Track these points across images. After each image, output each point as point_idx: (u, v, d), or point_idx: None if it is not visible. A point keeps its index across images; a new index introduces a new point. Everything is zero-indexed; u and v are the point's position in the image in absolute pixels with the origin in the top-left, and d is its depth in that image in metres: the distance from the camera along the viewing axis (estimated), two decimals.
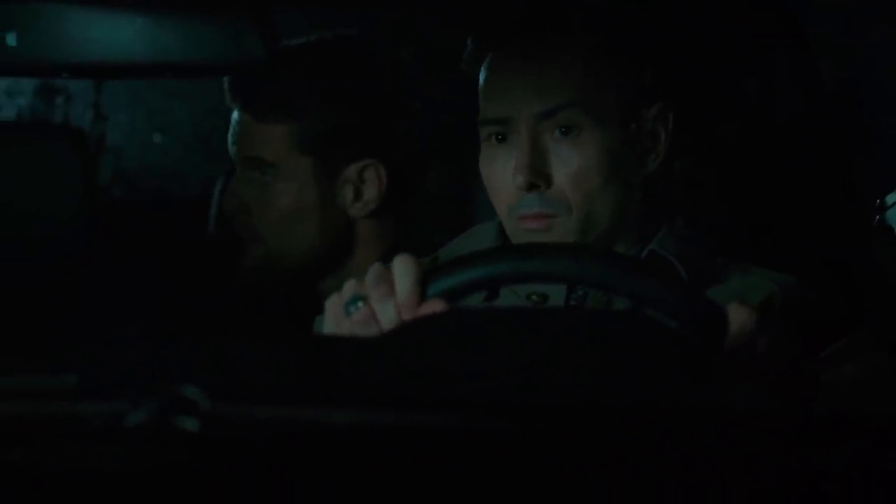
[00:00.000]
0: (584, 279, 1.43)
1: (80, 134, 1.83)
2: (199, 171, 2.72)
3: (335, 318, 1.44)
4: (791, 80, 2.13)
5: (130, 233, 2.47)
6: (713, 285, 1.75)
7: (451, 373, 1.21)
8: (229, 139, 2.20)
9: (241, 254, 2.20)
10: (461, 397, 1.18)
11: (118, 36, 1.70)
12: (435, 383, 1.20)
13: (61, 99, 2.75)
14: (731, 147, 2.17)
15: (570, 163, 1.76)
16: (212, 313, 2.26)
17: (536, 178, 1.76)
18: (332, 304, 1.45)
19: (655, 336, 1.27)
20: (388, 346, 1.28)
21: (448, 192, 2.28)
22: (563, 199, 1.76)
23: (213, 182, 2.48)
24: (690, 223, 1.83)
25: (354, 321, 1.42)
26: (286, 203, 2.15)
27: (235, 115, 2.19)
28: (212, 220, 2.46)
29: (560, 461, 1.08)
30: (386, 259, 1.46)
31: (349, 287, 1.44)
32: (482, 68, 1.82)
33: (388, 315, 1.41)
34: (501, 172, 1.79)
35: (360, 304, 1.42)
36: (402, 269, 1.41)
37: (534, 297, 1.77)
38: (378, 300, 1.41)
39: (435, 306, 1.39)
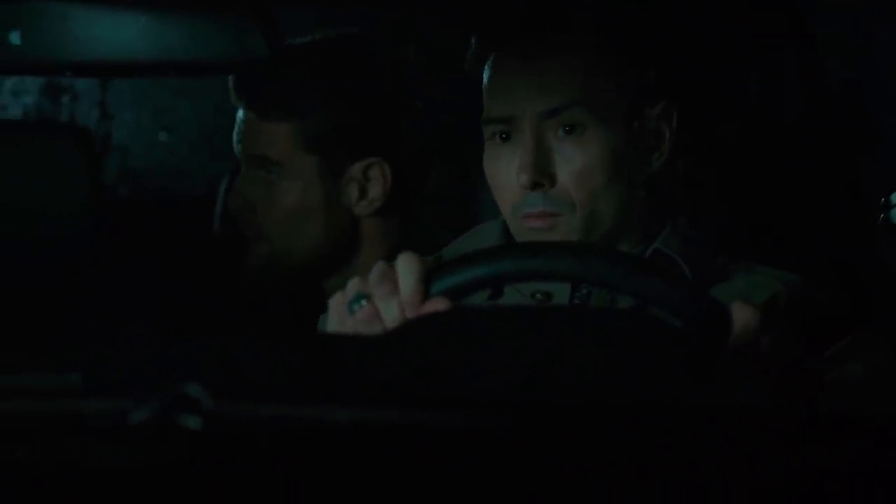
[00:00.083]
0: (588, 278, 1.43)
1: (86, 133, 1.83)
2: (205, 170, 2.72)
3: (339, 317, 1.44)
4: (797, 78, 2.13)
5: (136, 231, 2.47)
6: (717, 284, 1.75)
7: (454, 371, 1.21)
8: (234, 138, 2.20)
9: (246, 252, 2.20)
10: (465, 395, 1.18)
11: (122, 34, 1.70)
12: (438, 381, 1.20)
13: (67, 98, 2.75)
14: (736, 146, 2.17)
15: (573, 161, 1.76)
16: (217, 311, 2.26)
17: (540, 177, 1.76)
18: (336, 303, 1.45)
19: (659, 335, 1.27)
20: (391, 345, 1.28)
21: (452, 191, 2.28)
22: (566, 197, 1.76)
23: (218, 181, 2.49)
24: (694, 222, 1.83)
25: (358, 319, 1.42)
26: (291, 201, 2.15)
27: (240, 113, 2.19)
28: (217, 218, 2.46)
29: (564, 459, 1.08)
30: (390, 257, 1.46)
31: (353, 285, 1.44)
32: (486, 67, 1.82)
33: (391, 313, 1.41)
34: (505, 171, 1.79)
35: (364, 302, 1.42)
36: (406, 267, 1.41)
37: (538, 296, 1.77)
38: (382, 298, 1.41)
39: (438, 304, 1.39)
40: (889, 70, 1.88)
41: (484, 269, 1.41)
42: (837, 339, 1.63)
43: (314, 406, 1.14)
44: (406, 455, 1.07)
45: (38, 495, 1.00)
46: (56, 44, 1.69)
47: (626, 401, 1.19)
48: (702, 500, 1.05)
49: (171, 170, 2.78)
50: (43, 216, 1.69)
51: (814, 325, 1.66)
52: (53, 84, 2.75)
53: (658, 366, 1.23)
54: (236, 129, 2.20)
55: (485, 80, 1.82)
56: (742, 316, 1.34)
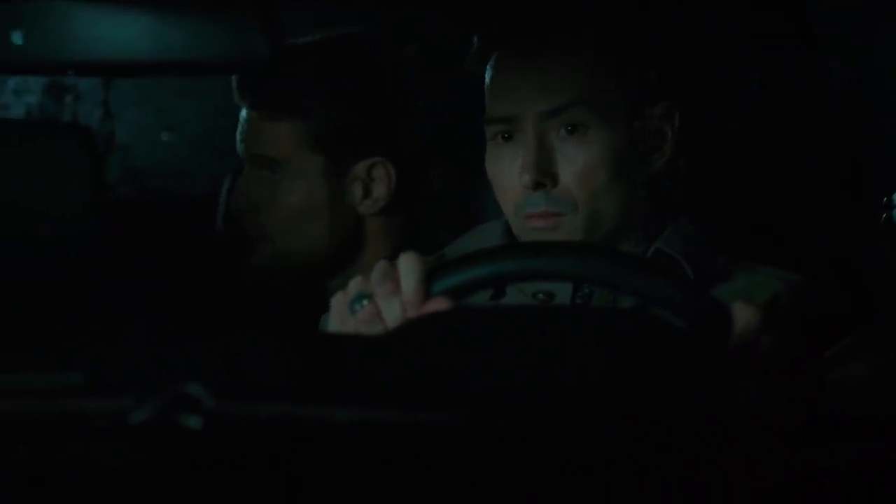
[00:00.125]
0: (590, 278, 1.43)
1: (89, 132, 1.83)
2: (207, 170, 2.72)
3: (340, 316, 1.45)
4: (798, 78, 2.13)
5: (138, 231, 2.47)
6: (718, 284, 1.75)
7: (456, 371, 1.21)
8: (237, 137, 2.20)
9: (248, 252, 2.20)
10: (466, 395, 1.18)
11: (123, 34, 1.70)
12: (440, 381, 1.20)
13: (70, 97, 2.75)
14: (737, 145, 2.17)
15: (576, 161, 1.76)
16: (219, 311, 2.26)
17: (543, 177, 1.76)
18: (338, 302, 1.45)
19: (660, 334, 1.27)
20: (392, 344, 1.28)
21: (453, 191, 2.28)
22: (569, 197, 1.77)
23: (220, 181, 2.49)
24: (694, 222, 1.83)
25: (359, 319, 1.42)
26: (295, 201, 2.15)
27: (244, 113, 2.19)
28: (219, 218, 2.46)
29: (565, 459, 1.08)
30: (394, 257, 1.46)
31: (354, 285, 1.45)
32: (488, 67, 1.83)
33: (393, 313, 1.41)
34: (507, 171, 1.79)
35: (366, 301, 1.43)
36: (408, 266, 1.41)
37: (540, 296, 1.77)
38: (383, 298, 1.41)
39: (440, 304, 1.39)
40: (889, 70, 1.88)
41: (485, 268, 1.41)
42: (838, 339, 1.63)
43: (315, 406, 1.14)
44: (407, 455, 1.07)
45: (38, 495, 1.00)
46: (58, 43, 1.69)
47: (627, 400, 1.19)
48: (703, 500, 1.05)
49: (174, 170, 2.78)
50: (45, 216, 1.69)
51: (815, 325, 1.66)
52: (56, 84, 2.75)
53: (659, 366, 1.23)
54: (239, 129, 2.20)
55: (487, 80, 1.83)
56: (743, 316, 1.34)
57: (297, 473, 1.03)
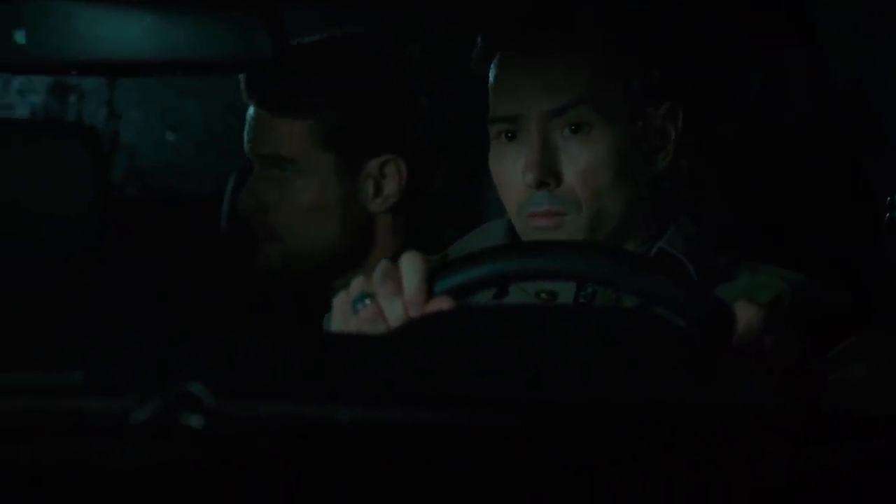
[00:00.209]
0: (593, 277, 1.43)
1: (94, 132, 1.83)
2: (212, 169, 2.72)
3: (343, 316, 1.44)
4: (800, 78, 2.12)
5: (143, 230, 2.47)
6: (722, 283, 1.75)
7: (458, 370, 1.21)
8: (245, 137, 2.19)
9: (256, 253, 2.19)
10: (468, 394, 1.18)
11: (127, 33, 1.70)
12: (442, 380, 1.20)
13: (75, 97, 2.76)
14: (740, 145, 2.17)
15: (579, 160, 1.76)
16: (223, 311, 2.26)
17: (546, 176, 1.76)
18: (340, 302, 1.45)
19: (663, 334, 1.27)
20: (395, 344, 1.28)
21: (457, 190, 2.28)
22: (572, 196, 1.76)
23: (225, 180, 2.49)
24: (696, 221, 1.83)
25: (362, 318, 1.42)
26: (308, 200, 2.15)
27: (251, 112, 2.18)
28: (224, 217, 2.46)
29: (568, 458, 1.07)
30: (401, 255, 1.46)
31: (356, 284, 1.44)
32: (491, 66, 1.82)
33: (395, 312, 1.41)
34: (511, 170, 1.79)
35: (368, 301, 1.42)
36: (410, 266, 1.41)
37: (543, 295, 1.77)
38: (385, 297, 1.41)
39: (442, 303, 1.39)
40: (890, 69, 1.88)
41: (487, 268, 1.41)
42: (842, 339, 1.62)
43: (317, 405, 1.14)
44: (409, 454, 1.07)
45: (39, 494, 1.00)
46: (61, 43, 1.69)
47: (630, 400, 1.19)
48: (705, 500, 1.05)
49: (179, 169, 2.78)
50: (50, 215, 1.69)
51: (818, 325, 1.66)
52: (61, 83, 2.75)
53: (662, 365, 1.23)
54: (247, 129, 2.19)
55: (491, 79, 1.83)
56: (746, 315, 1.34)
57: (298, 473, 1.03)
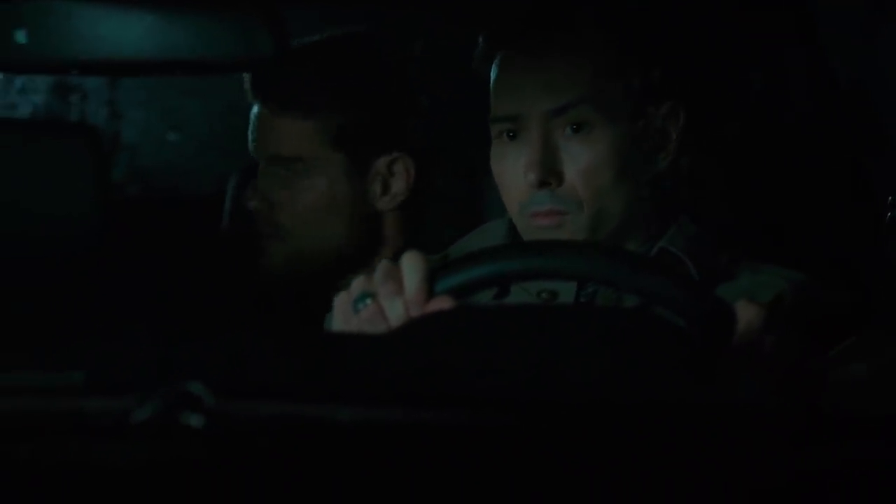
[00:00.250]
0: (593, 276, 1.43)
1: (95, 132, 1.83)
2: (213, 169, 2.72)
3: (343, 315, 1.45)
4: (801, 78, 2.12)
5: (144, 230, 2.47)
6: (722, 283, 1.75)
7: (459, 370, 1.21)
8: (250, 137, 2.19)
9: (262, 253, 2.19)
10: (469, 394, 1.18)
11: (127, 33, 1.70)
12: (443, 380, 1.20)
13: (76, 97, 2.76)
14: (741, 145, 2.17)
15: (580, 160, 1.76)
16: (225, 311, 2.26)
17: (548, 176, 1.76)
18: (341, 301, 1.45)
19: (663, 334, 1.27)
20: (395, 343, 1.28)
21: (458, 190, 2.28)
22: (574, 196, 1.77)
23: (227, 180, 2.49)
24: (696, 221, 1.83)
25: (363, 318, 1.42)
26: (317, 199, 2.14)
27: (255, 112, 2.18)
28: (225, 217, 2.46)
29: (568, 458, 1.08)
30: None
31: (357, 284, 1.45)
32: (493, 66, 1.82)
33: (396, 312, 1.41)
34: (512, 170, 1.79)
35: (369, 300, 1.43)
36: (411, 265, 1.41)
37: (544, 295, 1.77)
38: (386, 297, 1.41)
39: (443, 303, 1.39)
40: (891, 69, 1.88)
41: (488, 267, 1.41)
42: (842, 339, 1.62)
43: (317, 404, 1.14)
44: (410, 454, 1.07)
45: (39, 494, 1.00)
46: (61, 42, 1.69)
47: (630, 400, 1.19)
48: (706, 500, 1.05)
49: (180, 169, 2.78)
50: (51, 215, 1.69)
51: (819, 325, 1.66)
52: (63, 83, 2.75)
53: (662, 365, 1.23)
54: (252, 128, 2.18)
55: (492, 79, 1.83)
56: (746, 315, 1.34)
57: (298, 473, 1.03)
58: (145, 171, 2.78)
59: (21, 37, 1.67)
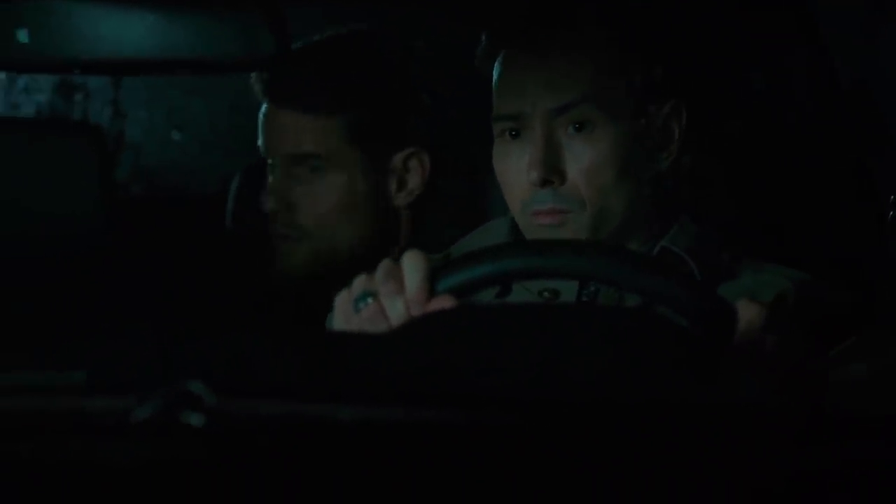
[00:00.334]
0: (595, 276, 1.42)
1: (99, 131, 1.83)
2: (217, 168, 2.72)
3: (344, 315, 1.45)
4: (804, 77, 2.12)
5: (148, 229, 2.48)
6: (725, 282, 1.75)
7: (460, 369, 1.21)
8: (260, 136, 2.18)
9: (277, 255, 2.18)
10: (471, 393, 1.18)
11: (130, 32, 1.70)
12: (444, 379, 1.20)
13: (80, 96, 2.76)
14: (744, 144, 2.17)
15: (583, 159, 1.76)
16: (228, 310, 2.26)
17: (550, 174, 1.76)
18: (342, 301, 1.45)
19: (665, 333, 1.27)
20: (396, 342, 1.28)
21: (460, 188, 2.28)
22: (576, 194, 1.76)
23: (230, 179, 2.49)
24: (697, 220, 1.83)
25: (364, 317, 1.42)
26: (336, 197, 2.14)
27: (266, 110, 2.17)
28: (229, 216, 2.46)
29: (570, 457, 1.07)
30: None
31: (358, 283, 1.45)
32: (495, 64, 1.82)
33: (397, 311, 1.41)
34: (515, 168, 1.79)
35: (370, 300, 1.42)
36: (411, 265, 1.41)
37: (545, 294, 1.77)
38: (387, 296, 1.41)
39: (444, 302, 1.39)
40: (893, 68, 1.87)
41: (489, 266, 1.41)
42: (844, 339, 1.62)
43: (318, 404, 1.14)
44: (411, 453, 1.07)
45: (41, 493, 1.00)
46: (64, 42, 1.69)
47: (632, 399, 1.19)
48: (707, 499, 1.05)
49: (184, 168, 2.78)
50: (56, 214, 1.69)
51: (821, 324, 1.66)
52: (66, 82, 2.75)
53: (664, 364, 1.23)
54: (262, 127, 2.18)
55: (494, 77, 1.82)
56: (748, 314, 1.33)
57: (299, 472, 1.03)
58: (149, 170, 2.78)
59: (23, 36, 1.68)
